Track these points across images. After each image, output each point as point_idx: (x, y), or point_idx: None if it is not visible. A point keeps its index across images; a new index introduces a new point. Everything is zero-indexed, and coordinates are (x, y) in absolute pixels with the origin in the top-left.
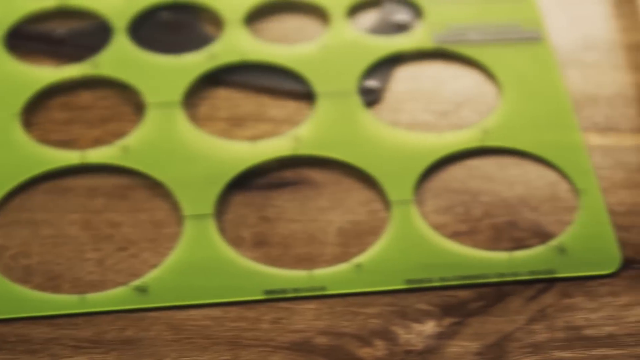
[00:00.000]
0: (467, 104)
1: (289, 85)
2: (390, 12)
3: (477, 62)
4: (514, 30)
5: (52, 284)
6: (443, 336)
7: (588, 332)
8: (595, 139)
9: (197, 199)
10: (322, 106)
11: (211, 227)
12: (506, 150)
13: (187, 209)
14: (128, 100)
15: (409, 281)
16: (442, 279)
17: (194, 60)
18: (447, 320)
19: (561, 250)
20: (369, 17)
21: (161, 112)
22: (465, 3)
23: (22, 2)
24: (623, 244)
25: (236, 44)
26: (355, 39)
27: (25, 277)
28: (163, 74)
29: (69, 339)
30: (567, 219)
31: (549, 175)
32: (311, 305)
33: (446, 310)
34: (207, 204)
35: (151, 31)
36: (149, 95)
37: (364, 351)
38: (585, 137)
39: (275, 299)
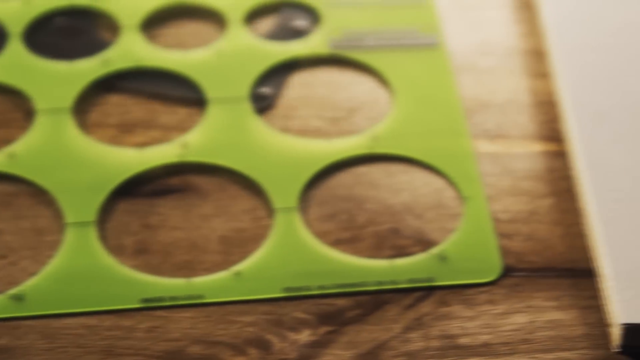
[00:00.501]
0: (360, 110)
1: (181, 92)
2: (288, 17)
3: (371, 68)
4: (410, 35)
5: None
6: (317, 345)
7: (463, 340)
8: (485, 146)
9: (80, 206)
10: (213, 113)
11: (92, 235)
12: (394, 157)
13: (69, 216)
14: (19, 107)
15: (287, 289)
16: (321, 287)
17: (87, 66)
18: (323, 329)
19: (442, 258)
20: (267, 23)
21: (50, 118)
22: (363, 9)
23: None
24: (505, 252)
25: (131, 49)
26: (251, 44)
27: None
28: (55, 80)
29: None
30: (450, 226)
31: (436, 182)
32: (188, 313)
33: (323, 318)
34: (90, 212)
35: (47, 37)
36: (39, 101)
37: None
38: (475, 144)
39: (152, 307)
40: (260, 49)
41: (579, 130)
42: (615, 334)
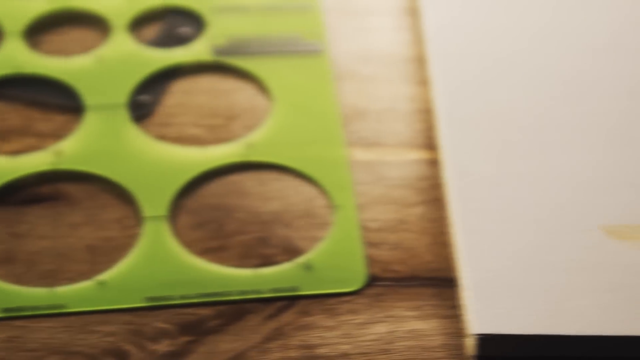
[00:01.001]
0: (238, 118)
1: (59, 99)
2: (173, 24)
3: (252, 75)
4: (294, 42)
5: None
6: (176, 355)
7: (321, 351)
8: (360, 154)
9: None
10: (90, 120)
11: None
12: (268, 165)
13: None
14: None
15: (149, 299)
16: (183, 297)
17: None
18: (183, 339)
19: (307, 267)
20: (152, 30)
21: None
22: (249, 15)
23: None
24: (371, 261)
25: (12, 56)
26: (133, 51)
27: None
28: None
29: None
30: (319, 235)
31: (308, 191)
32: (48, 323)
33: (183, 328)
34: None
35: None
36: None
37: None
38: (351, 152)
39: (12, 317)
40: (142, 56)
41: (448, 138)
42: (470, 344)
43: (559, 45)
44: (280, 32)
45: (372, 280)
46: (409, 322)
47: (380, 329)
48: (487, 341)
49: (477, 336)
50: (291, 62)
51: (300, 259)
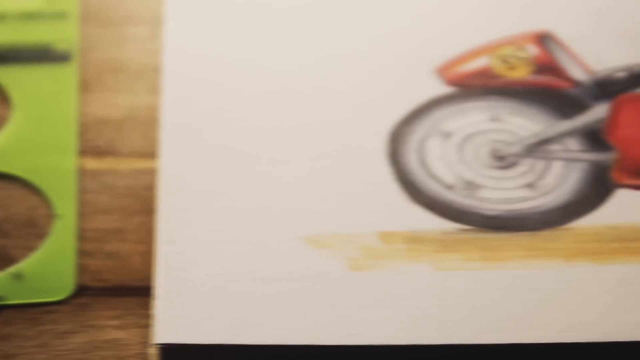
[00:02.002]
0: None
1: None
2: None
3: None
4: (43, 51)
5: None
6: None
7: None
8: (92, 163)
9: None
10: None
11: None
12: None
13: None
14: None
15: None
16: None
17: None
18: None
19: (17, 276)
20: None
21: None
22: (3, 22)
23: None
24: (83, 270)
25: None
26: None
27: None
28: None
29: None
30: (36, 244)
31: (32, 200)
32: None
33: None
34: None
35: None
36: None
37: None
38: (82, 161)
39: None
40: None
41: (165, 146)
42: (153, 354)
43: (293, 60)
44: (32, 41)
45: (80, 290)
46: (110, 332)
47: (80, 338)
48: (169, 351)
49: (158, 345)
50: (37, 71)
51: (11, 269)
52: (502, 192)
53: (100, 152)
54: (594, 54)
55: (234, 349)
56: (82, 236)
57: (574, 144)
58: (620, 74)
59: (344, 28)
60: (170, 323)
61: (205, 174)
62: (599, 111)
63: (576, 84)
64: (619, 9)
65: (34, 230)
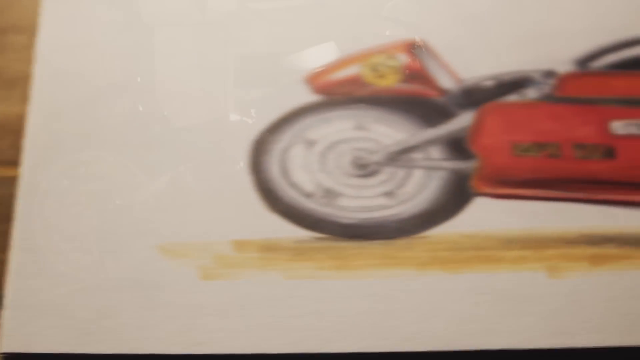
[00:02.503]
0: None
1: None
2: None
3: None
4: None
5: None
6: None
7: None
8: None
9: None
10: None
11: None
12: None
13: None
14: None
15: None
16: None
17: None
18: None
19: None
20: None
21: None
22: None
23: None
24: None
25: None
26: None
27: None
28: None
29: None
30: None
31: None
32: None
33: None
34: None
35: None
36: None
37: None
38: None
39: None
40: None
41: (27, 156)
42: None
43: (157, 72)
44: None
45: None
46: None
47: None
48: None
49: (2, 355)
50: None
51: None
52: (361, 201)
53: None
54: (463, 62)
55: (79, 358)
56: None
57: (436, 152)
58: (488, 83)
59: (212, 37)
60: (16, 332)
61: (63, 184)
62: (464, 119)
63: (444, 92)
64: (488, 19)
65: None
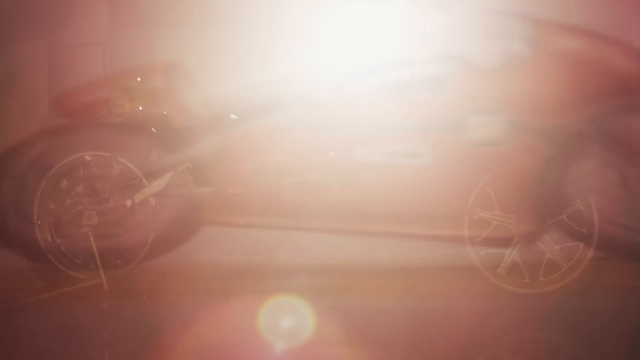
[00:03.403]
0: None
1: None
2: None
3: None
4: None
5: None
6: None
7: None
8: None
9: None
10: None
11: None
12: None
13: None
14: None
15: None
16: None
17: None
18: None
19: None
20: None
21: None
22: None
23: None
24: None
25: None
26: None
27: None
28: None
29: None
30: None
31: None
32: None
33: None
34: None
35: None
36: None
37: None
38: None
39: None
40: None
41: None
42: None
43: None
44: None
45: None
46: None
47: None
48: None
49: None
50: None
51: None
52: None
53: None
54: (213, 85)
55: None
56: None
57: (173, 179)
58: (238, 107)
59: None
60: None
61: None
62: (208, 146)
63: (193, 117)
64: (232, 41)
65: None
